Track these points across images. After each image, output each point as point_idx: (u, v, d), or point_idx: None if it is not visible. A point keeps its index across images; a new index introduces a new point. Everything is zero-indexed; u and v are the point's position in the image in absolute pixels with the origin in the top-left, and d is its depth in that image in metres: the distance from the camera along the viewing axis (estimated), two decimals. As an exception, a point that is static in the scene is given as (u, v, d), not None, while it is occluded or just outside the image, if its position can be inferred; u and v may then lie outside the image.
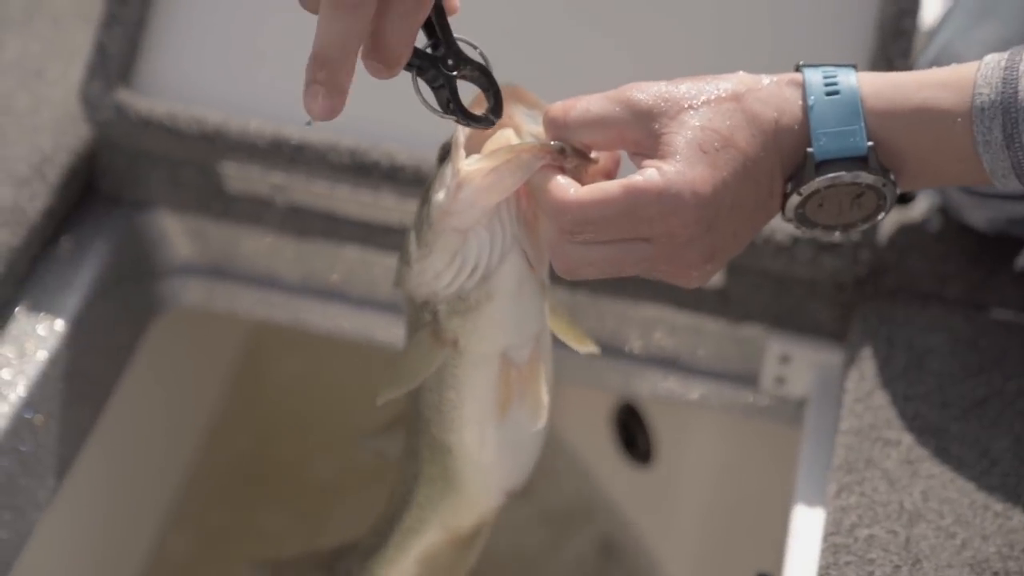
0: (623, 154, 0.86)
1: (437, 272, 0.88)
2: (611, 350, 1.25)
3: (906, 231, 1.16)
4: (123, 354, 1.28)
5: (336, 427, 1.61)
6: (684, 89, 0.82)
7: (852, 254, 1.11)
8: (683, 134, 0.80)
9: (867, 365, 1.07)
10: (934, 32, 1.11)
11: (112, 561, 1.45)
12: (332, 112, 0.75)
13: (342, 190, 1.19)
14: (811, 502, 1.05)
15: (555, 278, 0.92)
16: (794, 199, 0.82)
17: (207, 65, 1.20)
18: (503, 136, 0.85)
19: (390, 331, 1.28)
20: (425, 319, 0.91)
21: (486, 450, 0.96)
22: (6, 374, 1.14)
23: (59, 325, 1.18)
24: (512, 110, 0.87)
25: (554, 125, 0.84)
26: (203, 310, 1.34)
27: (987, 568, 0.93)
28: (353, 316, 1.30)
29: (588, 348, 0.95)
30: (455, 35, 0.82)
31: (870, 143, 0.81)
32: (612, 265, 0.81)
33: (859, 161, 0.81)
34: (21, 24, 1.32)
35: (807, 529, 1.03)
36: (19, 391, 1.14)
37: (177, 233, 1.30)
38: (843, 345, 1.15)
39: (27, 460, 1.14)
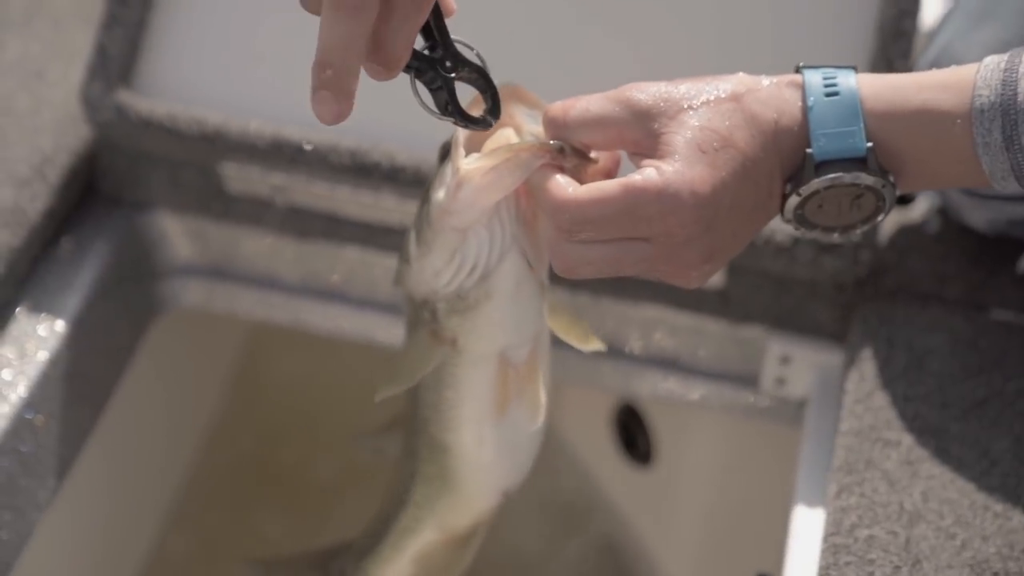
0: (623, 155, 0.86)
1: (436, 270, 0.88)
2: (611, 351, 1.25)
3: (906, 232, 1.16)
4: (123, 355, 1.29)
5: (336, 428, 1.61)
6: (684, 89, 0.82)
7: (852, 255, 1.11)
8: (682, 134, 0.80)
9: (867, 366, 1.07)
10: (934, 33, 1.11)
11: (112, 561, 1.45)
12: (340, 117, 0.75)
13: (342, 191, 1.19)
14: (811, 503, 1.05)
15: (556, 279, 0.92)
16: (793, 200, 0.82)
17: (207, 66, 1.20)
18: (503, 135, 0.86)
19: (390, 332, 1.28)
20: (424, 318, 0.91)
21: (483, 449, 0.96)
22: (7, 374, 1.14)
23: (60, 326, 1.18)
24: (513, 110, 0.87)
25: (553, 124, 0.84)
26: (203, 311, 1.34)
27: (987, 569, 0.93)
28: (353, 317, 1.30)
29: (592, 346, 0.94)
30: (453, 37, 0.82)
31: (869, 144, 0.81)
32: (611, 264, 0.81)
33: (858, 162, 0.81)
34: (22, 25, 1.32)
35: (807, 530, 1.03)
36: (19, 391, 1.14)
37: (177, 234, 1.30)
38: (843, 346, 1.15)
39: (27, 461, 1.14)
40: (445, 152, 0.88)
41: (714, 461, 1.49)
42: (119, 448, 1.36)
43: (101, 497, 1.36)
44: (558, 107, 0.84)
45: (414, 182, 1.14)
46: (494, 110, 0.84)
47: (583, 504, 1.58)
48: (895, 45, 1.11)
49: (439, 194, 0.86)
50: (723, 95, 0.81)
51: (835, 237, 0.85)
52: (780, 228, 1.11)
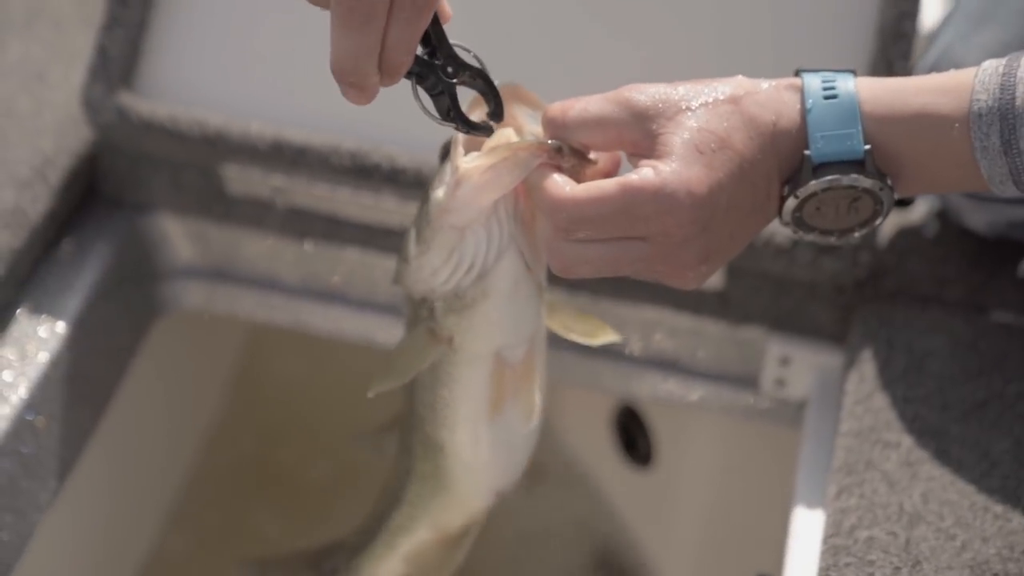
0: (623, 156, 0.86)
1: (434, 268, 0.89)
2: (611, 352, 1.25)
3: (906, 234, 1.16)
4: (124, 356, 1.29)
5: (336, 429, 1.61)
6: (682, 91, 0.82)
7: (852, 256, 1.11)
8: (680, 135, 0.80)
9: (867, 367, 1.07)
10: (934, 35, 1.11)
11: (113, 562, 1.45)
12: (369, 100, 0.79)
13: (343, 192, 1.19)
14: (811, 504, 1.05)
15: (555, 280, 0.92)
16: (791, 202, 0.82)
17: (208, 68, 1.20)
18: (503, 135, 0.86)
19: (391, 333, 1.28)
20: (423, 316, 0.92)
21: (478, 449, 0.97)
22: (7, 376, 1.15)
23: (60, 327, 1.18)
24: (515, 110, 0.87)
25: (552, 125, 0.84)
26: (204, 312, 1.34)
27: (987, 570, 0.93)
28: (354, 318, 1.30)
29: (604, 339, 0.95)
30: (452, 41, 0.82)
31: (867, 146, 0.81)
32: (608, 264, 0.82)
33: (856, 164, 0.81)
34: (23, 27, 1.32)
35: (807, 531, 1.03)
36: (20, 393, 1.14)
37: (178, 235, 1.30)
38: (843, 347, 1.15)
39: (28, 462, 1.14)
40: (446, 152, 0.88)
41: (714, 462, 1.49)
42: (120, 449, 1.36)
43: (102, 498, 1.36)
44: (557, 107, 0.85)
45: (414, 184, 1.14)
46: (496, 113, 0.84)
47: (583, 506, 1.58)
48: (895, 47, 1.11)
49: (438, 192, 0.86)
50: (721, 97, 0.82)
51: (833, 241, 0.85)
52: (780, 230, 1.11)
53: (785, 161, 0.82)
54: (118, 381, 1.27)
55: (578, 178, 0.83)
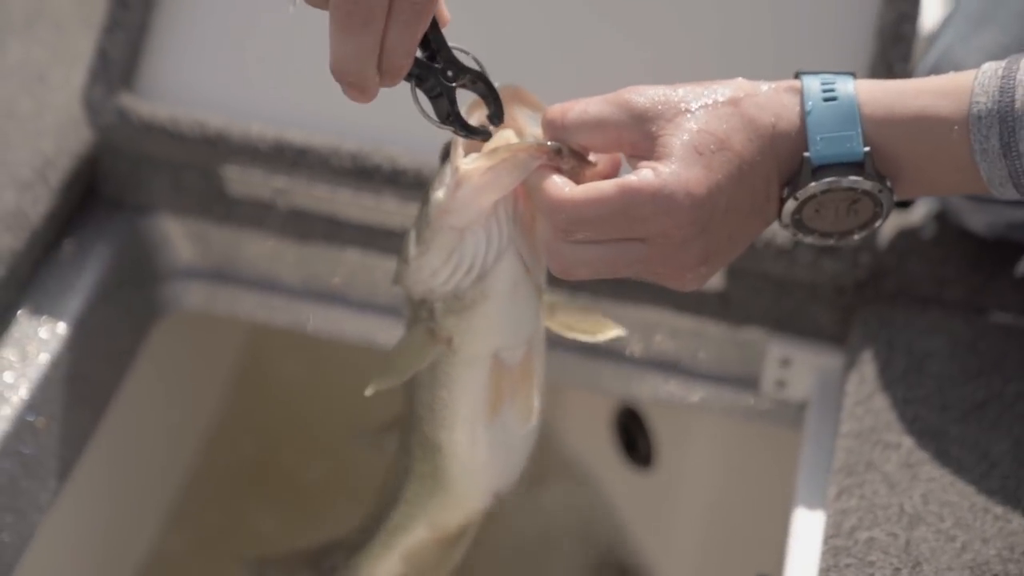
0: (622, 158, 0.86)
1: (434, 269, 0.89)
2: (612, 353, 1.25)
3: (906, 235, 1.17)
4: (125, 357, 1.29)
5: (336, 430, 1.61)
6: (682, 93, 0.82)
7: (852, 258, 1.11)
8: (679, 136, 0.80)
9: (867, 368, 1.07)
10: (934, 37, 1.11)
11: (113, 562, 1.45)
12: (370, 99, 0.79)
13: (344, 194, 1.20)
14: (811, 505, 1.05)
15: (556, 281, 0.92)
16: (790, 204, 0.82)
17: (209, 69, 1.20)
18: (503, 136, 0.86)
19: (391, 334, 1.28)
20: (422, 316, 0.92)
21: (476, 449, 0.97)
22: (8, 377, 1.15)
23: (61, 328, 1.18)
24: (515, 112, 0.87)
25: (552, 126, 0.85)
26: (204, 313, 1.34)
27: (987, 571, 0.93)
28: (354, 319, 1.30)
29: (608, 334, 0.95)
30: (451, 44, 0.82)
31: (866, 148, 0.81)
32: (607, 265, 0.82)
33: (855, 166, 0.81)
34: (24, 29, 1.33)
35: (807, 532, 1.03)
36: (21, 394, 1.14)
37: (179, 237, 1.30)
38: (843, 348, 1.15)
39: (29, 463, 1.14)
40: (446, 153, 0.88)
41: (715, 463, 1.49)
42: (120, 450, 1.36)
43: (102, 499, 1.36)
44: (557, 109, 0.85)
45: (415, 185, 1.14)
46: (496, 115, 0.84)
47: (583, 507, 1.58)
48: (895, 49, 1.11)
49: (438, 193, 0.87)
50: (721, 99, 0.82)
51: (832, 243, 0.86)
52: (780, 231, 1.11)
53: (784, 163, 0.82)
54: (118, 382, 1.27)
55: (578, 180, 0.83)
